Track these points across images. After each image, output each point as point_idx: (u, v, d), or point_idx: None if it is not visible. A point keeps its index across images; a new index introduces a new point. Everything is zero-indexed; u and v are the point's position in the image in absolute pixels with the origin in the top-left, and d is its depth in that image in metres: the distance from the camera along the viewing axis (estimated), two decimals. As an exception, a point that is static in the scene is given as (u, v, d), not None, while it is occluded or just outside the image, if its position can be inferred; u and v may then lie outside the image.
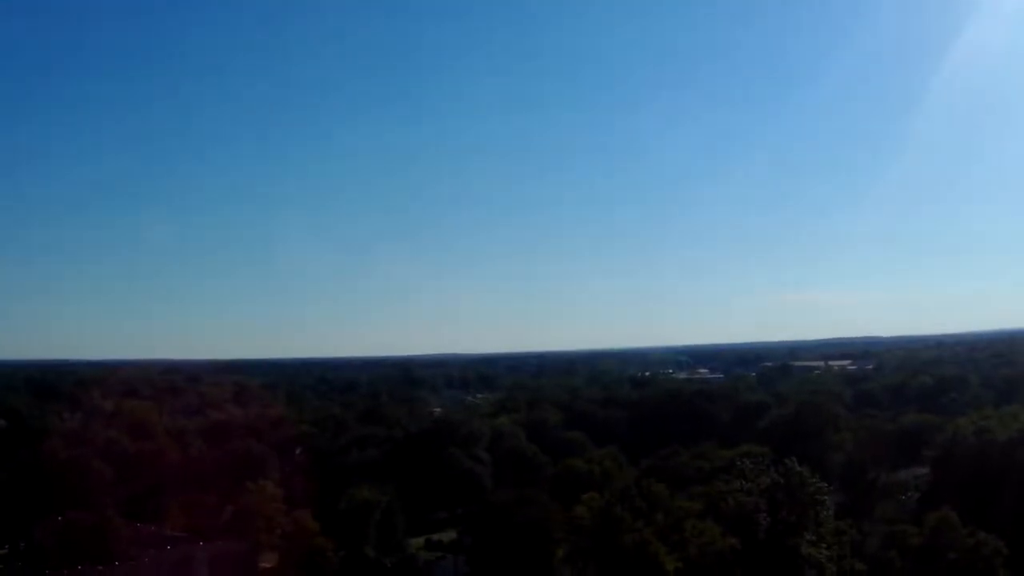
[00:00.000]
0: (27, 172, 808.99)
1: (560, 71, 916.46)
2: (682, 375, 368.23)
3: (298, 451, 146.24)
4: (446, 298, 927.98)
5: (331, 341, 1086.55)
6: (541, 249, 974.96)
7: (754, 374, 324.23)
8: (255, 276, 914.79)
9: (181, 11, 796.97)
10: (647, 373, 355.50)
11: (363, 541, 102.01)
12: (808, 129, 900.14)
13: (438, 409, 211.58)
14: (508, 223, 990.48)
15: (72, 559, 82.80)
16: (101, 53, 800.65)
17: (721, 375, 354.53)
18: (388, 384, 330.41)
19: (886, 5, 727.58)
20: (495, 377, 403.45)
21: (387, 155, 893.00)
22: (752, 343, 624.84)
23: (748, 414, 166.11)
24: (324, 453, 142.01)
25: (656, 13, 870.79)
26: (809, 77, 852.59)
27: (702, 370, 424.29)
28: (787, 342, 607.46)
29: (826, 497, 75.29)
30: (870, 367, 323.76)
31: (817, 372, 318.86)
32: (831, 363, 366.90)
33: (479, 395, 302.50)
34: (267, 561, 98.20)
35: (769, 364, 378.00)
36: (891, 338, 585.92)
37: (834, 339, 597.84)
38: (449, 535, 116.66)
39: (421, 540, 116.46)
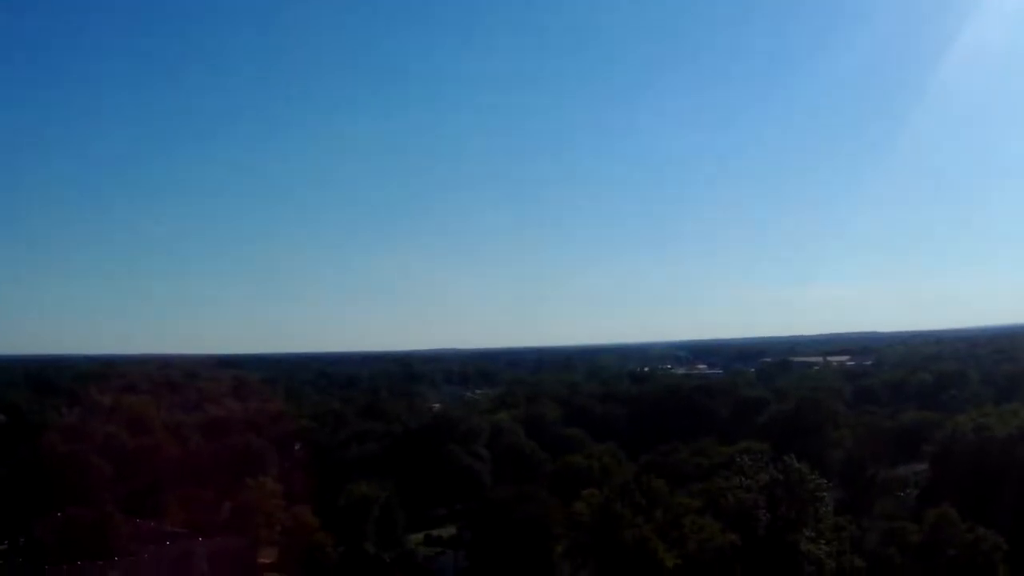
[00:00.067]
0: (26, 168, 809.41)
1: (560, 70, 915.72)
2: (681, 371, 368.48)
3: (297, 446, 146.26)
4: (445, 293, 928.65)
5: (330, 336, 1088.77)
6: (540, 244, 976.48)
7: (753, 370, 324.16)
8: (254, 271, 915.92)
9: (181, 7, 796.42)
10: (646, 368, 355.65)
11: (362, 537, 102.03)
12: (808, 124, 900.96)
13: (437, 405, 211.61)
14: (507, 218, 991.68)
15: (72, 555, 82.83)
16: (102, 51, 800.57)
17: (720, 371, 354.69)
18: (387, 379, 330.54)
19: (887, 3, 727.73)
20: (494, 372, 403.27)
21: (386, 150, 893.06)
22: (751, 338, 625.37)
23: (747, 410, 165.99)
24: (323, 448, 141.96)
25: (659, 7, 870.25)
26: (811, 73, 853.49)
27: (701, 366, 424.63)
28: (786, 337, 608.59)
29: (825, 493, 75.22)
30: (869, 363, 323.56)
31: (816, 368, 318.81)
32: (830, 359, 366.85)
33: (478, 391, 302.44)
34: (266, 556, 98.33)
35: (768, 360, 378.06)
36: (891, 333, 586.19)
37: (833, 334, 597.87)
38: (448, 531, 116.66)
39: (420, 536, 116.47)
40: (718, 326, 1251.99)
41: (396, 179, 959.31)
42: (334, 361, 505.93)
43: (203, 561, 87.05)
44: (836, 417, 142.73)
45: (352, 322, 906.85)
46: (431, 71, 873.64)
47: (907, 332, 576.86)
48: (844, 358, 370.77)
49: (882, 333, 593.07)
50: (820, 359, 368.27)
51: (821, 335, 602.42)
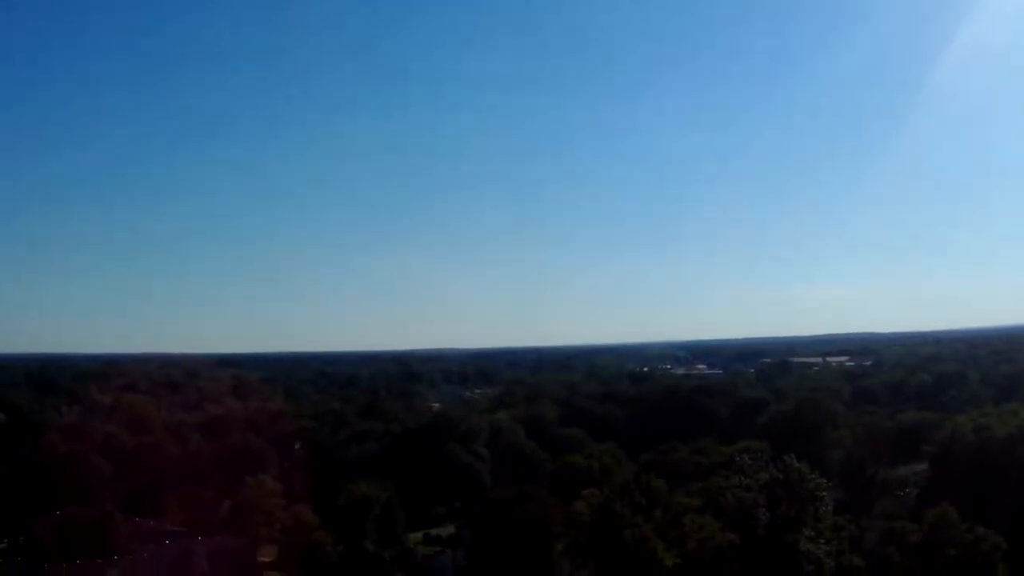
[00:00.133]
0: (26, 168, 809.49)
1: (560, 70, 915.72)
2: (680, 371, 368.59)
3: (297, 446, 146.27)
4: (445, 293, 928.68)
5: (330, 335, 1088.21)
6: (540, 244, 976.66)
7: (753, 370, 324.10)
8: (254, 270, 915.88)
9: (181, 7, 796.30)
10: (645, 369, 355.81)
11: (362, 536, 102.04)
12: (808, 124, 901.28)
13: (437, 404, 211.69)
14: (507, 218, 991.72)
15: (71, 554, 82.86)
16: (102, 51, 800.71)
17: (720, 371, 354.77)
18: (387, 379, 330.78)
19: (887, 3, 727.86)
20: (493, 372, 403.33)
21: (386, 150, 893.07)
22: (751, 339, 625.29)
23: (747, 410, 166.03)
24: (323, 447, 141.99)
25: (659, 7, 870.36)
26: (811, 72, 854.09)
27: (700, 366, 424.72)
28: (786, 338, 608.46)
29: (825, 493, 75.07)
30: (869, 363, 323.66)
31: (816, 368, 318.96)
32: (829, 359, 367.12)
33: (477, 390, 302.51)
34: (266, 555, 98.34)
35: (768, 360, 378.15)
36: (890, 334, 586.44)
37: (833, 335, 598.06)
38: (448, 530, 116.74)
39: (420, 535, 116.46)
40: (718, 326, 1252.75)
41: (396, 179, 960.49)
42: (334, 361, 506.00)
43: (203, 560, 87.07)
44: (836, 417, 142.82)
45: (352, 322, 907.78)
46: (431, 71, 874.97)
47: (906, 333, 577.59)
48: (843, 359, 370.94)
49: (881, 334, 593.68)
50: (819, 359, 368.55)
51: (821, 335, 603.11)
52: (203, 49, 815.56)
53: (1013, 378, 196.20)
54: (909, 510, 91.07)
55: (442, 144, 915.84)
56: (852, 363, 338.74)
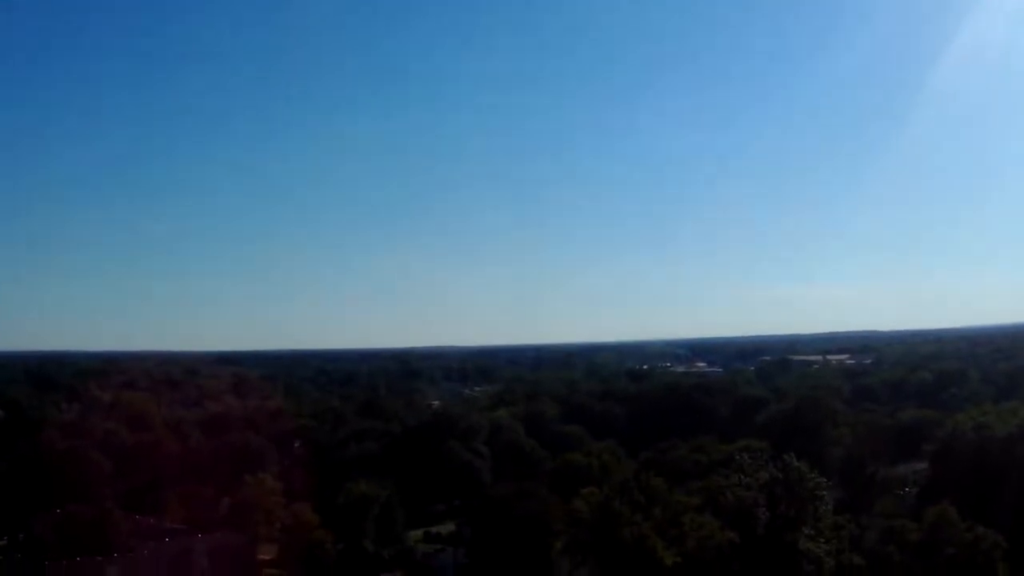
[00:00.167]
0: (26, 167, 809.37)
1: (560, 70, 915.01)
2: (680, 369, 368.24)
3: (297, 444, 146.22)
4: (445, 291, 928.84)
5: (330, 333, 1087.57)
6: (539, 242, 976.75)
7: (753, 368, 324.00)
8: (254, 269, 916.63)
9: (181, 7, 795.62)
10: (645, 366, 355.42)
11: (362, 534, 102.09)
12: (808, 124, 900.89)
13: (436, 402, 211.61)
14: (507, 217, 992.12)
15: (71, 551, 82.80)
16: (102, 51, 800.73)
17: (720, 369, 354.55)
18: (387, 377, 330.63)
19: (887, 3, 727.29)
20: (493, 370, 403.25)
21: (386, 150, 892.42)
22: (751, 337, 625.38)
23: (747, 409, 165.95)
24: (323, 446, 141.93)
25: (659, 7, 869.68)
26: (810, 72, 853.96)
27: (700, 364, 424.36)
28: (786, 336, 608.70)
29: (825, 492, 75.04)
30: (869, 362, 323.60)
31: (816, 367, 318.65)
32: (829, 357, 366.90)
33: (477, 388, 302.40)
34: (266, 553, 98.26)
35: (768, 358, 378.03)
36: (890, 333, 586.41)
37: (833, 333, 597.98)
38: (448, 528, 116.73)
39: (420, 533, 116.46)
40: (718, 325, 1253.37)
41: (396, 179, 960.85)
42: (333, 358, 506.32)
43: (202, 557, 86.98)
44: (835, 416, 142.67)
45: (352, 320, 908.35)
46: (431, 71, 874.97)
47: (907, 331, 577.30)
48: (844, 357, 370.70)
49: (882, 332, 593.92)
50: (819, 358, 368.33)
51: (821, 334, 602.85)
52: (203, 49, 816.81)
53: (1013, 376, 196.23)
54: (909, 509, 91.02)
55: (442, 144, 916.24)
56: (852, 361, 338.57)
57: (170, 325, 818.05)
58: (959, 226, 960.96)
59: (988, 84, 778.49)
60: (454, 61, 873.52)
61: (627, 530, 73.84)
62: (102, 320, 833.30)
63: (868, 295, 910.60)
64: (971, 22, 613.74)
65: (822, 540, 72.38)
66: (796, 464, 74.27)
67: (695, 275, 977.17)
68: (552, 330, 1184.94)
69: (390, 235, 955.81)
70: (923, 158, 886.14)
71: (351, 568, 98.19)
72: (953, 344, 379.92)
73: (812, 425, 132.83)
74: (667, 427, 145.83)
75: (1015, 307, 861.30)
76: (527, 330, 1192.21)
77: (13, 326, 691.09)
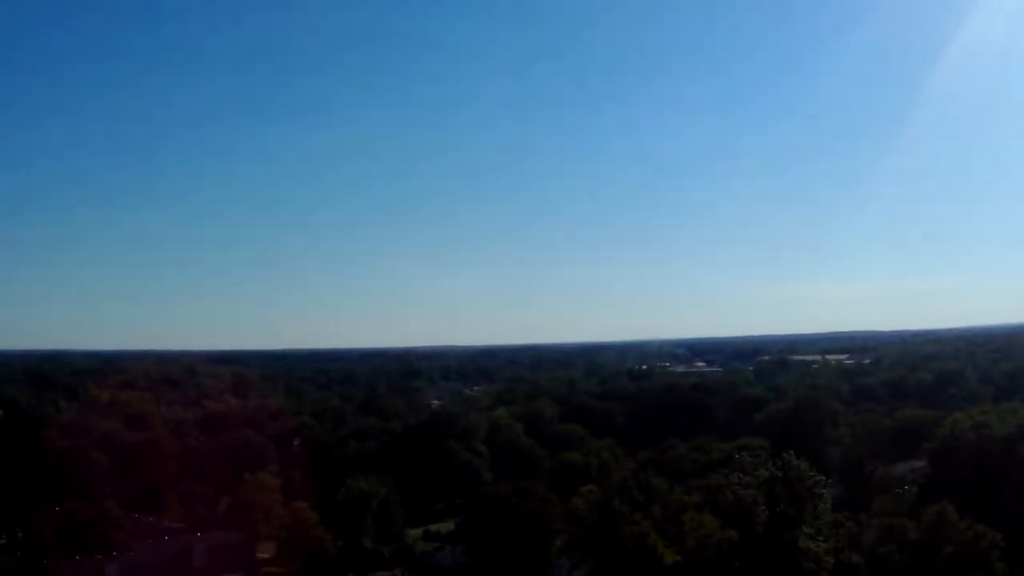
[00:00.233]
0: (26, 164, 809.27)
1: (559, 61, 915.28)
2: (680, 368, 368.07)
3: (296, 442, 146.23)
4: (444, 290, 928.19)
5: (329, 333, 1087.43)
6: (539, 241, 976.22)
7: (752, 368, 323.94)
8: (253, 267, 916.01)
9: (181, 7, 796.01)
10: (644, 366, 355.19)
11: (361, 532, 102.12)
12: (807, 123, 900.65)
13: (436, 401, 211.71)
14: (506, 215, 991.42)
15: (70, 549, 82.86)
16: (102, 50, 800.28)
17: (719, 369, 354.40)
18: (386, 376, 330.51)
19: (887, 3, 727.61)
20: (492, 370, 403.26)
21: (385, 147, 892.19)
22: (750, 336, 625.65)
23: (746, 408, 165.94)
24: (322, 444, 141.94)
25: (660, 7, 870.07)
26: (809, 72, 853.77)
27: (700, 363, 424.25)
28: (785, 336, 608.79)
29: (824, 491, 75.15)
30: (868, 361, 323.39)
31: (815, 366, 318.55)
32: (829, 357, 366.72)
33: (476, 387, 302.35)
34: (265, 552, 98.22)
35: (767, 358, 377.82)
36: (889, 332, 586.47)
37: (832, 333, 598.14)
38: (447, 526, 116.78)
39: (419, 531, 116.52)
40: (717, 324, 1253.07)
41: (396, 178, 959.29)
42: (333, 358, 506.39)
43: (202, 556, 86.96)
44: (835, 415, 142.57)
45: (351, 319, 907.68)
46: (431, 71, 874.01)
47: (906, 331, 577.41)
48: (843, 357, 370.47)
49: (881, 332, 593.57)
50: (819, 357, 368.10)
51: (820, 334, 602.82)
52: (203, 49, 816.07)
53: (1012, 376, 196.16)
54: (908, 508, 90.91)
55: (442, 143, 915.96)
56: (851, 361, 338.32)
57: (169, 324, 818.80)
58: (959, 226, 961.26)
59: (988, 84, 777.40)
60: (454, 61, 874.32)
61: (627, 529, 73.89)
62: (101, 319, 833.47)
63: (868, 295, 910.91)
64: (971, 22, 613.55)
65: (821, 539, 72.47)
66: (795, 463, 74.38)
67: (695, 275, 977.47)
68: (552, 330, 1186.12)
69: (390, 235, 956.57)
70: (923, 158, 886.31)
71: (350, 566, 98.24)
72: (952, 344, 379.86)
73: (811, 424, 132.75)
74: (667, 426, 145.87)
75: (1015, 307, 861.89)
76: (527, 330, 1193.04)
77: (12, 325, 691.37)
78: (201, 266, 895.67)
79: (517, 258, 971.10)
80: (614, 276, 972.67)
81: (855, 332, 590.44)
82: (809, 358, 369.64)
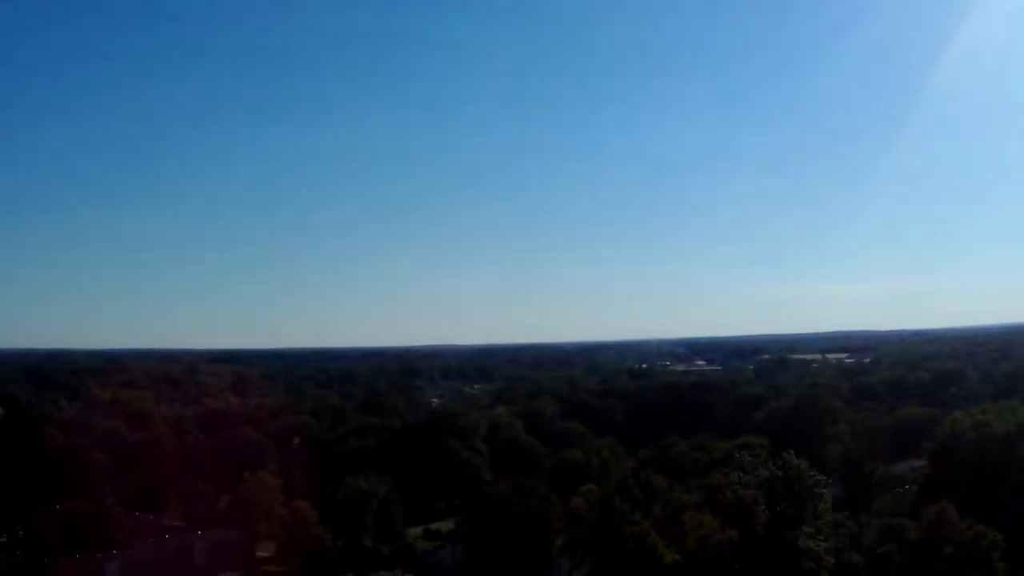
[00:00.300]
0: (26, 164, 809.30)
1: (559, 61, 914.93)
2: (680, 367, 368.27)
3: (296, 441, 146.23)
4: (444, 289, 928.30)
5: (329, 332, 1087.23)
6: (539, 240, 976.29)
7: (752, 367, 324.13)
8: (253, 267, 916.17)
9: (181, 7, 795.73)
10: (644, 365, 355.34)
11: (361, 531, 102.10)
12: (807, 123, 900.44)
13: (436, 400, 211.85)
14: (506, 214, 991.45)
15: (70, 548, 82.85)
16: (102, 50, 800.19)
17: (719, 367, 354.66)
18: (386, 374, 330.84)
19: (887, 3, 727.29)
20: (492, 369, 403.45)
21: (384, 147, 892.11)
22: (750, 335, 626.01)
23: (746, 407, 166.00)
24: (322, 443, 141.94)
25: (660, 7, 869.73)
26: (809, 72, 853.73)
27: (700, 362, 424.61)
28: (785, 335, 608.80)
29: (824, 490, 75.13)
30: (868, 360, 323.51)
31: (815, 365, 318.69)
32: (828, 356, 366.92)
33: (476, 386, 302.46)
34: (265, 550, 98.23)
35: (767, 357, 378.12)
36: (889, 332, 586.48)
37: (832, 332, 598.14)
38: (447, 525, 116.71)
39: (419, 530, 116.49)
40: (717, 323, 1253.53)
41: (396, 178, 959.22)
42: (333, 357, 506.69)
43: (202, 555, 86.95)
44: (835, 414, 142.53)
45: (351, 318, 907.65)
46: (431, 71, 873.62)
47: (906, 331, 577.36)
48: (843, 356, 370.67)
49: (881, 332, 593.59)
50: (819, 356, 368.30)
51: (820, 333, 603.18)
52: (203, 49, 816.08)
53: (1012, 376, 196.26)
54: (908, 507, 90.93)
55: (441, 143, 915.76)
56: (851, 360, 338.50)
57: (170, 324, 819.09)
58: (959, 226, 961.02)
59: (988, 84, 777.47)
60: (454, 61, 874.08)
61: (627, 528, 73.92)
62: (102, 318, 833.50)
63: (868, 295, 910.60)
64: (971, 22, 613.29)
65: (821, 538, 72.45)
66: (796, 462, 74.36)
67: (695, 274, 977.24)
68: (552, 329, 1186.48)
69: (390, 235, 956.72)
70: (923, 158, 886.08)
71: (350, 564, 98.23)
72: (951, 344, 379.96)
73: (811, 423, 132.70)
74: (667, 425, 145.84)
75: (1014, 307, 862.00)
76: (527, 329, 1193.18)
77: (13, 325, 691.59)
78: (201, 266, 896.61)
79: (517, 258, 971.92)
80: (614, 276, 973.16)
81: (855, 332, 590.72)
82: (809, 357, 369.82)
